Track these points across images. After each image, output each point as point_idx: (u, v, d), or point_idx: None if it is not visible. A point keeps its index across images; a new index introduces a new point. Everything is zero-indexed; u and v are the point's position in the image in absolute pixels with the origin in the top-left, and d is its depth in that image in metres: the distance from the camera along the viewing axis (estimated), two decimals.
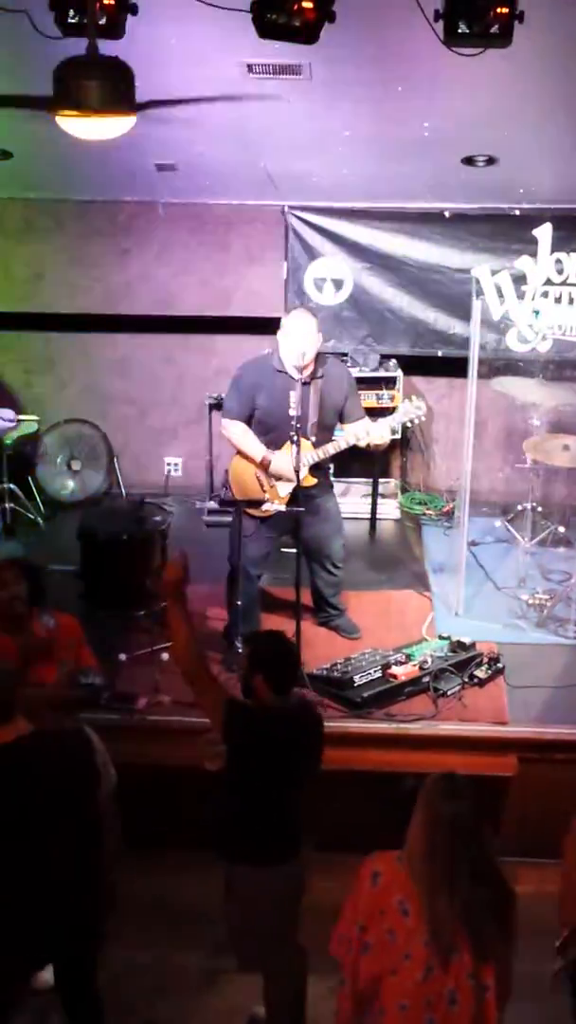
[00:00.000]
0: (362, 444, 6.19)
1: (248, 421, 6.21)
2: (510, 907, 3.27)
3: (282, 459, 6.09)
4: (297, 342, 6.00)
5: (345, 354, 8.40)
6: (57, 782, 3.44)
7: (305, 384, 6.01)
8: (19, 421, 8.20)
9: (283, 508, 6.12)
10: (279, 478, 6.15)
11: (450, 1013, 3.14)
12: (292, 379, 5.99)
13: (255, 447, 6.17)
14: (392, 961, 3.19)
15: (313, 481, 6.21)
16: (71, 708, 4.68)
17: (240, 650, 6.19)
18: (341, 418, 6.24)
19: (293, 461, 5.88)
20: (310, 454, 6.07)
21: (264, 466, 6.15)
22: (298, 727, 4.23)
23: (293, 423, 5.81)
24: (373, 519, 8.48)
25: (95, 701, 4.87)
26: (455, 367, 7.65)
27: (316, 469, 6.21)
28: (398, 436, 8.20)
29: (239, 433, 6.22)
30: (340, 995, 3.29)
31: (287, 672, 4.26)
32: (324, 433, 6.18)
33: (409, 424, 6.39)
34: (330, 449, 6.16)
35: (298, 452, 5.86)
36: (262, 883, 4.20)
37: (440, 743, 5.74)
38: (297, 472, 5.88)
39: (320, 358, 6.16)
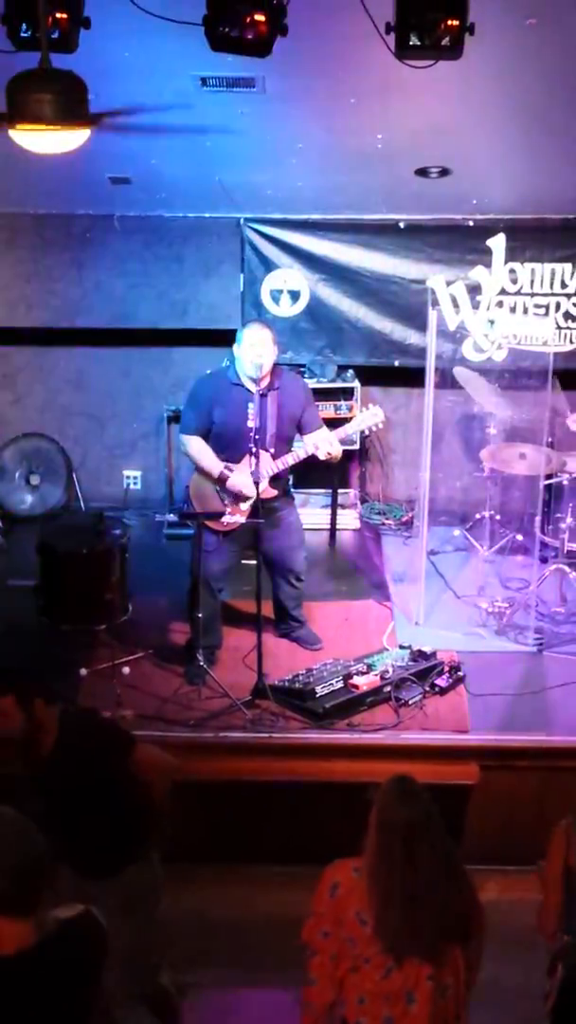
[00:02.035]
0: (321, 455, 6.20)
1: (206, 435, 6.20)
2: (472, 909, 3.28)
3: (239, 475, 6.10)
4: (254, 354, 6.00)
5: (303, 365, 8.42)
6: (67, 992, 3.03)
7: (262, 396, 6.02)
8: None
9: (243, 520, 6.12)
10: (237, 495, 6.15)
11: (408, 1011, 3.18)
12: (249, 392, 6.00)
13: (212, 462, 6.17)
14: (352, 962, 3.22)
15: (273, 493, 6.21)
16: None
17: (201, 664, 6.19)
18: (299, 429, 6.25)
19: (252, 473, 5.89)
20: (269, 466, 6.07)
21: (222, 481, 6.14)
22: None
23: (251, 435, 5.82)
24: (333, 530, 8.50)
25: None
26: (412, 377, 7.69)
27: (276, 481, 6.21)
28: (356, 447, 8.27)
29: (196, 448, 6.22)
30: (306, 992, 3.31)
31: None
32: (283, 445, 6.19)
33: (367, 432, 6.41)
34: (289, 460, 6.17)
35: (257, 464, 5.86)
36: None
37: (403, 752, 5.75)
38: (256, 484, 5.89)
39: (276, 370, 6.17)
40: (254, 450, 5.86)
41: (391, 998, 3.18)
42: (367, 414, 6.36)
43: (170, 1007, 4.43)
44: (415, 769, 5.37)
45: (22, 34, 4.72)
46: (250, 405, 5.87)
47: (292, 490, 7.01)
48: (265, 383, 6.08)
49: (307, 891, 3.76)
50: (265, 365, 6.03)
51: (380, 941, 3.17)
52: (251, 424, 5.83)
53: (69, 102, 4.67)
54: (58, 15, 4.65)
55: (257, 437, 5.85)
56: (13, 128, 4.79)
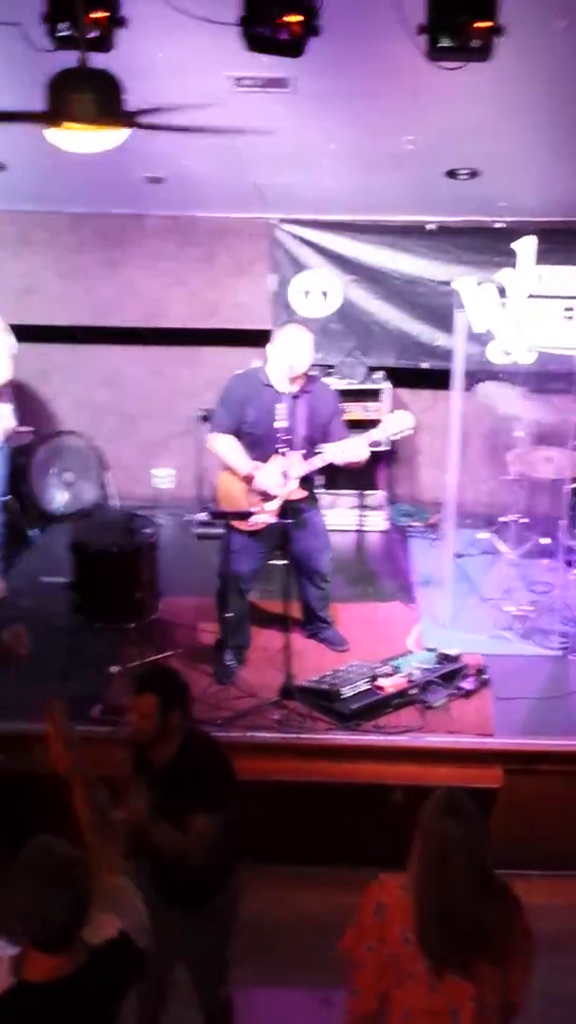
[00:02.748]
0: (340, 462, 6.20)
1: (236, 435, 6.23)
2: (513, 929, 3.21)
3: (266, 474, 6.11)
4: (292, 355, 6.02)
5: (332, 366, 8.43)
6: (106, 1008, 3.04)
7: (294, 398, 6.02)
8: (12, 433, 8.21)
9: (272, 520, 6.14)
10: (264, 492, 6.17)
11: None
12: (280, 393, 6.01)
13: (241, 461, 6.18)
14: (396, 978, 3.18)
15: (302, 494, 6.22)
16: None
17: (229, 664, 6.22)
18: (325, 436, 6.24)
19: (281, 473, 5.90)
20: (298, 467, 6.09)
21: (249, 480, 6.16)
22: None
23: (281, 435, 5.84)
24: (360, 531, 8.50)
25: None
26: (439, 379, 7.68)
27: (304, 483, 6.23)
28: (387, 448, 8.27)
29: (226, 446, 6.23)
30: (350, 1002, 3.28)
31: (189, 695, 4.21)
32: (311, 448, 6.18)
33: (397, 437, 6.40)
34: (317, 462, 6.18)
35: (286, 465, 5.88)
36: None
37: (428, 755, 5.74)
38: (284, 485, 5.90)
39: (309, 375, 6.18)
40: (283, 451, 5.88)
41: (435, 1014, 3.14)
42: (396, 420, 6.35)
43: (228, 1018, 4.45)
44: (439, 772, 5.44)
45: (61, 33, 4.77)
46: (280, 406, 5.89)
47: (318, 492, 7.01)
48: (298, 385, 6.09)
49: (331, 892, 3.78)
50: (300, 368, 6.05)
51: (423, 958, 3.13)
52: (281, 425, 5.85)
53: (106, 101, 4.70)
54: (96, 15, 4.70)
55: (287, 438, 5.86)
56: (51, 127, 4.83)
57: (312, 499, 6.52)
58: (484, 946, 3.14)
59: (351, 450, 6.15)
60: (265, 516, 6.16)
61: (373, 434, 6.31)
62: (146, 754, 4.11)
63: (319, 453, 6.18)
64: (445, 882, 3.10)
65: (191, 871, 4.01)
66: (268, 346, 6.16)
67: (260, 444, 6.14)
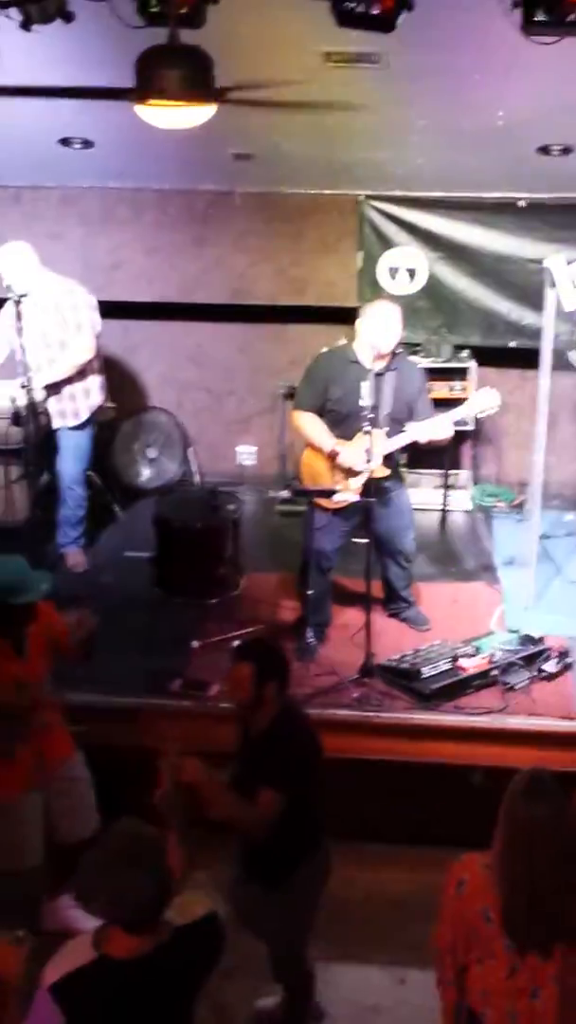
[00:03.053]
0: (424, 440, 6.17)
1: (319, 413, 6.22)
2: None
3: (350, 451, 6.10)
4: (378, 332, 6.00)
5: (418, 344, 8.38)
6: (186, 988, 3.07)
7: (379, 375, 6.00)
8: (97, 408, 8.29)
9: (355, 498, 6.13)
10: (347, 470, 6.16)
11: (532, 1006, 3.14)
12: (367, 370, 5.98)
13: (324, 438, 6.18)
14: (477, 955, 3.20)
15: (385, 472, 6.20)
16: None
17: (310, 641, 6.24)
18: (410, 414, 6.22)
19: (365, 450, 5.89)
20: (382, 444, 6.07)
21: (332, 457, 6.15)
22: None
23: (365, 413, 5.82)
24: (444, 511, 8.46)
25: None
26: (527, 358, 7.60)
27: (387, 460, 6.20)
28: (470, 428, 8.20)
29: (308, 423, 6.23)
30: (441, 987, 3.31)
31: (288, 667, 4.26)
32: (396, 426, 6.16)
33: (481, 415, 6.34)
34: (400, 440, 6.16)
35: (370, 442, 5.86)
36: None
37: (508, 737, 5.71)
38: (369, 460, 5.89)
39: (394, 351, 6.16)
40: (367, 428, 5.87)
41: (515, 994, 3.15)
42: (482, 397, 6.30)
43: (308, 987, 4.50)
44: (520, 755, 5.41)
45: (151, 9, 4.77)
46: (365, 384, 5.87)
47: (404, 471, 6.98)
48: (384, 362, 6.07)
49: (407, 870, 3.78)
50: (388, 344, 6.03)
51: (504, 937, 3.14)
52: (365, 403, 5.83)
53: (196, 78, 4.72)
54: None
55: (371, 416, 5.85)
56: (141, 103, 4.85)
57: (397, 477, 6.50)
58: (567, 928, 3.14)
59: (436, 428, 6.12)
60: (348, 494, 6.15)
61: (459, 412, 6.28)
62: (246, 724, 4.20)
63: (404, 431, 6.16)
64: (532, 864, 3.11)
65: (271, 847, 4.04)
66: (357, 322, 6.14)
67: (344, 421, 6.13)
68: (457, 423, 6.25)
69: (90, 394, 7.36)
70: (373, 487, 6.04)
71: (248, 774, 4.06)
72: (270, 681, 4.08)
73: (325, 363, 6.30)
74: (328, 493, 6.17)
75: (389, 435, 6.11)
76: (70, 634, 4.77)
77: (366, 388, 5.84)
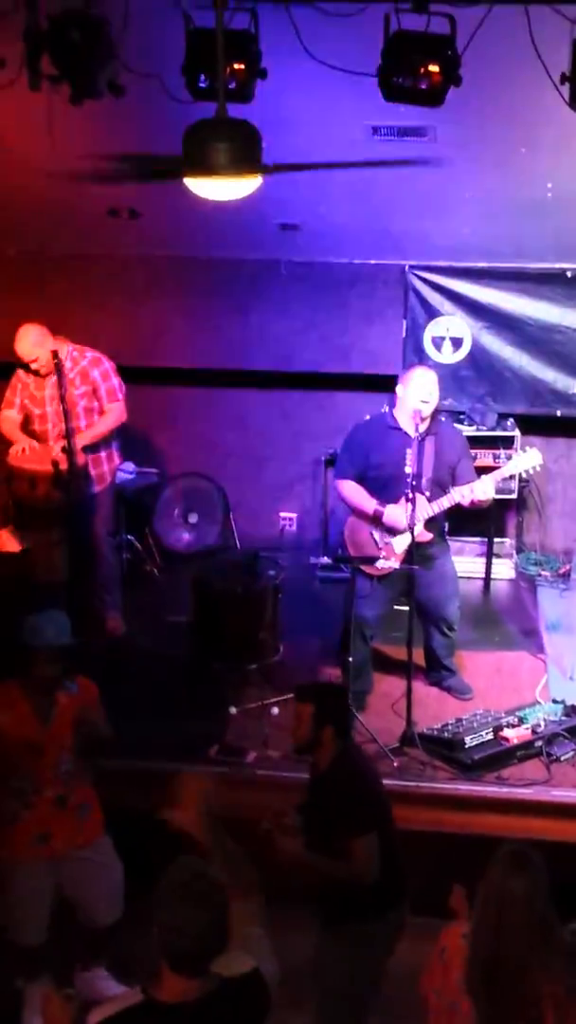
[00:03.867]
0: (465, 502, 6.16)
1: (360, 480, 6.24)
2: (560, 997, 3.12)
3: (395, 510, 6.10)
4: (423, 394, 6.05)
5: (463, 412, 8.38)
6: None
7: (420, 440, 6.01)
8: (138, 473, 8.35)
9: (396, 565, 6.11)
10: (392, 531, 6.15)
11: None
12: (407, 435, 6.00)
13: (366, 501, 6.19)
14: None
15: (428, 537, 6.19)
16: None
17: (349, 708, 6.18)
18: (453, 479, 6.21)
19: (407, 515, 5.89)
20: (425, 508, 6.06)
21: (377, 517, 6.15)
22: None
23: (408, 480, 5.83)
24: (487, 579, 8.41)
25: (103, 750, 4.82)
26: (574, 427, 7.59)
27: (431, 524, 6.19)
28: (514, 496, 8.18)
29: (350, 489, 6.26)
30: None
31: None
32: (438, 490, 6.17)
33: (525, 475, 6.32)
34: (444, 503, 6.16)
35: (414, 507, 5.85)
36: None
37: (553, 810, 5.62)
38: (412, 528, 5.88)
39: (435, 416, 6.18)
40: (410, 494, 5.87)
41: None
42: (525, 457, 6.28)
43: None
44: (564, 828, 5.31)
45: (200, 85, 4.86)
46: (408, 450, 5.89)
47: (448, 538, 6.96)
48: (424, 427, 6.08)
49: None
50: (429, 408, 6.06)
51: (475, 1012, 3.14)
52: (408, 469, 5.85)
53: (244, 151, 4.77)
54: (236, 66, 4.78)
55: (414, 482, 5.85)
56: (188, 175, 4.92)
57: (442, 544, 6.48)
58: (530, 1007, 3.08)
59: (478, 490, 6.11)
60: (391, 562, 6.13)
61: (502, 472, 6.25)
62: (312, 764, 4.34)
63: (447, 495, 6.15)
64: (498, 937, 3.10)
65: (366, 891, 4.12)
66: (397, 388, 6.17)
67: (386, 487, 6.15)
68: (500, 491, 6.22)
69: (113, 457, 7.43)
70: (417, 553, 6.02)
71: (314, 814, 4.19)
72: (328, 724, 4.20)
73: (364, 431, 6.33)
74: (370, 560, 6.16)
75: (431, 499, 6.11)
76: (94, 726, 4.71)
77: (407, 454, 5.87)
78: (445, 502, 6.15)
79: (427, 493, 6.09)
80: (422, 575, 6.15)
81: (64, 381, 6.89)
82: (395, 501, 6.12)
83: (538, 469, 6.36)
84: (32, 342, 7.01)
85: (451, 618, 6.50)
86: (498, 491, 7.46)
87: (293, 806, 4.33)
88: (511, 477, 7.97)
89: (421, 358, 8.40)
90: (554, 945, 3.16)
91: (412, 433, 6.01)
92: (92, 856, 4.79)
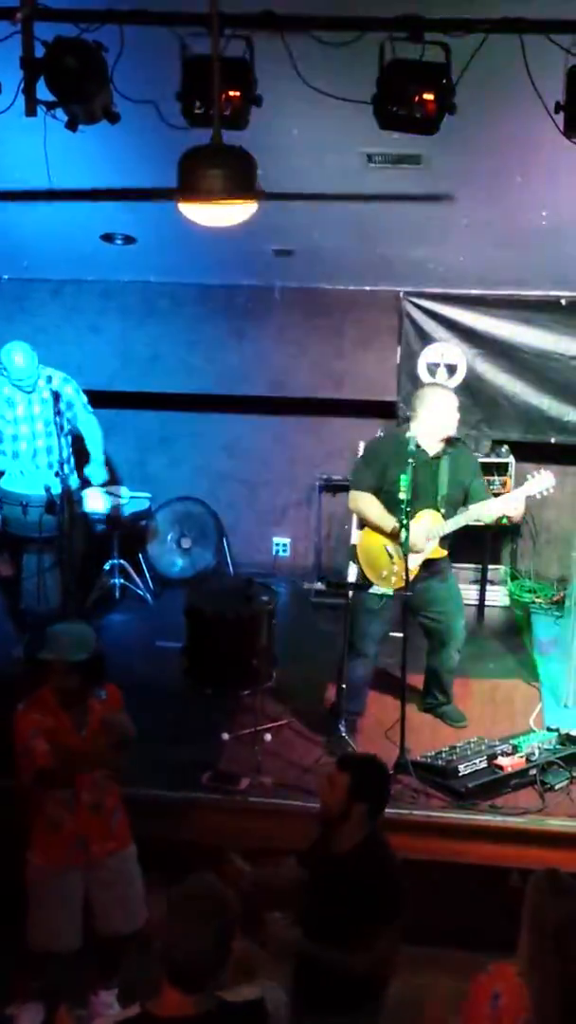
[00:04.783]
0: (489, 519, 6.28)
1: (375, 494, 6.27)
2: None
3: (414, 527, 6.10)
4: (442, 418, 6.17)
5: (458, 439, 8.37)
6: None
7: (436, 459, 6.10)
8: (131, 498, 8.35)
9: (390, 592, 6.14)
10: (411, 547, 6.16)
11: None
12: (424, 453, 6.09)
13: (384, 516, 6.20)
14: None
15: (443, 553, 6.27)
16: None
17: (343, 735, 6.16)
18: (466, 498, 6.26)
19: (424, 531, 6.02)
20: (440, 526, 6.13)
21: (395, 535, 6.15)
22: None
23: (422, 497, 5.96)
24: (482, 606, 8.40)
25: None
26: (568, 455, 7.60)
27: (443, 541, 6.26)
28: (511, 524, 8.19)
29: (368, 503, 6.27)
30: None
31: (387, 795, 4.24)
32: (451, 509, 6.22)
33: (538, 496, 6.33)
34: (461, 520, 6.20)
35: (427, 524, 5.99)
36: None
37: (547, 839, 5.59)
38: (427, 543, 6.03)
39: (451, 437, 6.27)
40: (425, 511, 6.04)
41: None
42: (539, 479, 6.30)
43: None
44: (559, 856, 5.29)
45: (196, 111, 4.87)
46: (423, 468, 6.03)
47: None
48: (441, 446, 6.14)
49: (441, 973, 3.66)
50: (452, 429, 6.22)
51: None
52: (423, 486, 5.99)
53: (239, 177, 4.78)
54: (231, 93, 4.79)
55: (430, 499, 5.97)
56: (183, 201, 4.93)
57: (448, 563, 6.53)
58: None
59: (510, 506, 6.19)
60: (386, 588, 6.16)
61: (523, 489, 6.24)
62: (328, 836, 4.11)
63: (461, 513, 6.21)
64: (561, 965, 2.97)
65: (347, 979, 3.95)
66: (418, 406, 6.23)
67: (401, 504, 6.15)
68: (514, 501, 6.27)
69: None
70: (428, 570, 6.13)
71: (324, 898, 3.99)
72: (362, 801, 4.02)
73: (383, 446, 6.41)
74: (363, 587, 6.17)
75: (445, 517, 6.16)
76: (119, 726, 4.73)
77: (424, 473, 6.04)
78: (461, 519, 6.20)
79: (442, 510, 6.16)
80: (434, 590, 6.24)
81: (58, 406, 6.96)
82: (410, 519, 6.16)
83: (551, 491, 6.36)
84: (25, 357, 7.13)
85: (461, 633, 6.54)
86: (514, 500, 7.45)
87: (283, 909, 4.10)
88: None
89: (415, 384, 8.40)
90: None
91: (431, 452, 6.12)
92: (121, 862, 4.85)
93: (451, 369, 8.50)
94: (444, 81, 4.65)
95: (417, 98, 4.68)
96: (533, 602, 8.47)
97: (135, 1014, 2.90)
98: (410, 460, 5.92)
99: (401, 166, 5.97)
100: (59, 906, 4.75)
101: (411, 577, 6.12)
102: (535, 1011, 3.00)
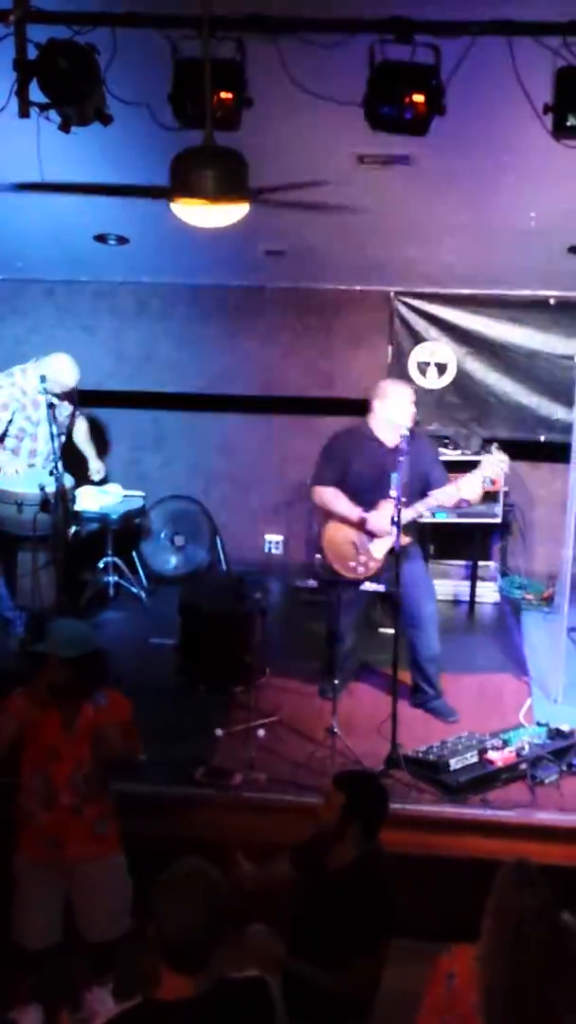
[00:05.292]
0: (450, 503, 6.33)
1: (339, 487, 6.44)
2: None
3: (379, 516, 6.29)
4: (399, 411, 6.32)
5: (447, 437, 8.45)
6: None
7: (394, 449, 6.19)
8: (125, 496, 8.39)
9: (381, 588, 6.30)
10: (375, 535, 6.33)
11: None
12: (383, 445, 6.27)
13: (349, 508, 6.39)
14: None
15: (407, 540, 6.32)
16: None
17: (336, 682, 6.27)
18: (428, 485, 6.35)
19: (390, 519, 6.08)
20: (404, 513, 6.18)
21: (361, 524, 6.30)
22: None
23: (383, 486, 6.02)
24: (472, 602, 8.45)
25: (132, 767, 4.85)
26: (558, 453, 7.64)
27: (407, 528, 6.33)
28: (498, 520, 8.26)
29: (332, 496, 6.45)
30: None
31: (383, 816, 4.19)
32: (413, 497, 6.31)
33: (493, 478, 6.39)
34: (420, 508, 6.32)
35: (390, 513, 6.04)
36: None
37: (537, 832, 5.62)
38: (390, 532, 6.08)
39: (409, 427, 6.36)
40: (386, 500, 6.09)
41: None
42: (491, 460, 6.38)
43: None
44: (549, 850, 5.32)
45: (187, 113, 4.91)
46: (383, 458, 6.17)
47: (437, 562, 7.08)
48: (399, 437, 6.23)
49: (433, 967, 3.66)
50: (410, 420, 6.34)
51: None
52: (383, 475, 6.04)
53: (230, 178, 4.83)
54: (222, 95, 4.83)
55: (391, 488, 6.00)
56: (176, 202, 4.97)
57: (417, 547, 6.64)
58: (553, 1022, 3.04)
59: (465, 489, 6.29)
60: (376, 585, 6.32)
61: (476, 473, 6.32)
62: (321, 854, 4.11)
63: (422, 500, 6.32)
64: (516, 957, 3.02)
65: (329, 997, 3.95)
66: (375, 401, 6.39)
67: (364, 495, 6.36)
68: (484, 514, 6.34)
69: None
70: (394, 556, 6.17)
71: (313, 917, 4.00)
72: (356, 820, 4.02)
73: (344, 440, 6.56)
74: (355, 584, 6.28)
75: (407, 505, 6.22)
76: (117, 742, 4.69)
77: (383, 462, 6.15)
78: (421, 507, 6.31)
79: (404, 499, 6.19)
80: (401, 574, 6.22)
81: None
82: (371, 507, 6.33)
83: (506, 471, 6.55)
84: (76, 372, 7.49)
85: (431, 617, 6.56)
86: (482, 515, 7.63)
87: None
88: (495, 501, 8.09)
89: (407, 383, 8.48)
90: (570, 956, 3.12)
91: (389, 443, 6.25)
92: (102, 870, 4.77)
93: (441, 368, 8.56)
94: (434, 82, 4.69)
95: (407, 99, 4.72)
96: (523, 599, 8.52)
97: (137, 1003, 2.92)
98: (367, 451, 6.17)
99: (392, 167, 6.01)
100: (34, 904, 4.71)
101: (379, 566, 6.32)
102: (483, 998, 3.03)
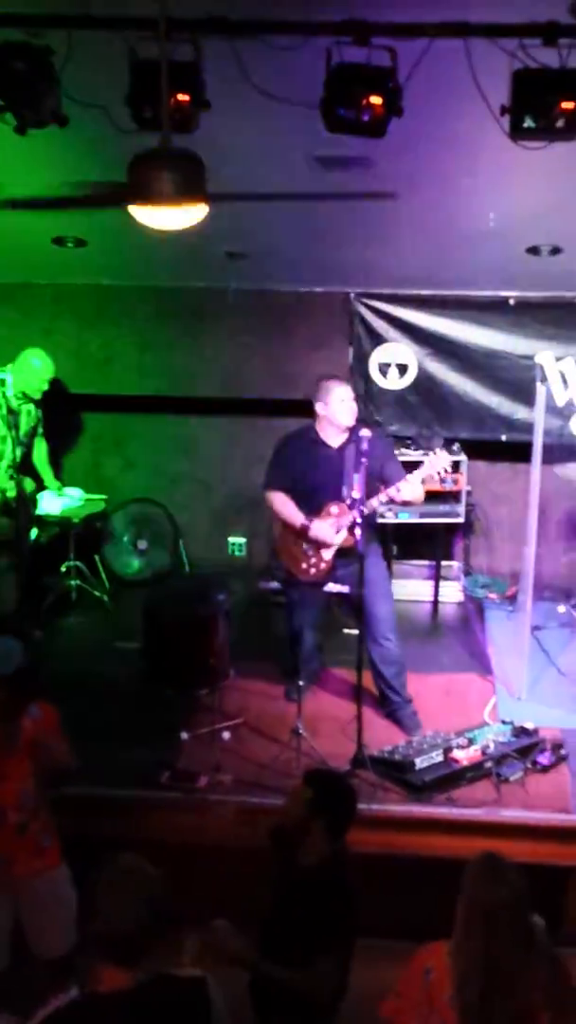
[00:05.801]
0: (398, 500, 6.28)
1: (288, 491, 6.48)
2: (557, 999, 3.11)
3: (321, 525, 6.34)
4: (349, 408, 6.35)
5: (409, 438, 8.47)
6: None
7: (341, 450, 6.26)
8: (87, 500, 8.35)
9: (346, 589, 6.33)
10: (320, 544, 6.37)
11: None
12: (330, 447, 6.34)
13: (294, 515, 6.44)
14: None
15: (351, 541, 6.21)
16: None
17: (301, 683, 6.36)
18: (384, 482, 6.28)
19: (332, 527, 6.19)
20: (347, 516, 6.23)
21: (304, 532, 6.36)
22: None
23: (331, 487, 6.13)
24: (435, 602, 8.48)
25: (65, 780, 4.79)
26: (519, 452, 7.68)
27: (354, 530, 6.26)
28: (461, 519, 8.29)
29: (280, 502, 6.51)
30: None
31: (350, 815, 4.17)
32: (370, 493, 6.24)
33: (437, 475, 6.37)
34: (372, 504, 6.23)
35: (337, 514, 6.12)
36: None
37: (502, 830, 5.66)
38: (336, 534, 6.22)
39: (355, 425, 6.37)
40: (334, 502, 6.24)
41: None
42: (433, 459, 6.35)
43: None
44: (515, 848, 5.34)
45: (145, 115, 4.90)
46: (329, 460, 6.28)
47: (401, 563, 7.09)
48: (344, 437, 6.31)
49: (398, 965, 3.67)
50: (350, 420, 6.35)
51: None
52: (331, 477, 6.14)
53: (188, 181, 4.81)
54: (179, 97, 4.82)
55: (339, 489, 6.10)
56: (133, 205, 4.95)
57: (372, 546, 6.53)
58: (525, 1016, 3.06)
59: (405, 491, 6.21)
60: (340, 587, 6.38)
61: (417, 474, 6.27)
62: (290, 850, 4.09)
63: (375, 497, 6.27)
64: (488, 948, 3.04)
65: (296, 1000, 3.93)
66: (316, 404, 6.42)
67: (312, 497, 6.41)
68: (447, 514, 6.35)
69: None
70: (342, 556, 6.27)
71: (282, 904, 4.02)
72: (322, 816, 4.01)
73: (291, 444, 6.58)
74: (319, 584, 6.32)
75: (361, 504, 6.13)
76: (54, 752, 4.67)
77: (330, 463, 6.26)
78: (374, 502, 6.21)
79: (357, 498, 6.15)
80: (352, 577, 6.21)
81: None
82: (322, 510, 6.37)
83: (448, 469, 6.56)
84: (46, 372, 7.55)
85: (386, 618, 6.51)
86: (445, 515, 7.65)
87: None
88: (458, 501, 8.14)
89: (368, 384, 8.50)
90: (538, 949, 3.15)
91: (334, 444, 6.35)
92: (49, 883, 4.72)
93: (402, 369, 8.58)
94: (391, 84, 4.71)
95: (364, 101, 4.74)
96: (486, 597, 8.55)
97: (72, 997, 2.93)
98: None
99: (350, 168, 6.02)
100: None
101: (329, 566, 6.39)
102: (456, 990, 3.08)
